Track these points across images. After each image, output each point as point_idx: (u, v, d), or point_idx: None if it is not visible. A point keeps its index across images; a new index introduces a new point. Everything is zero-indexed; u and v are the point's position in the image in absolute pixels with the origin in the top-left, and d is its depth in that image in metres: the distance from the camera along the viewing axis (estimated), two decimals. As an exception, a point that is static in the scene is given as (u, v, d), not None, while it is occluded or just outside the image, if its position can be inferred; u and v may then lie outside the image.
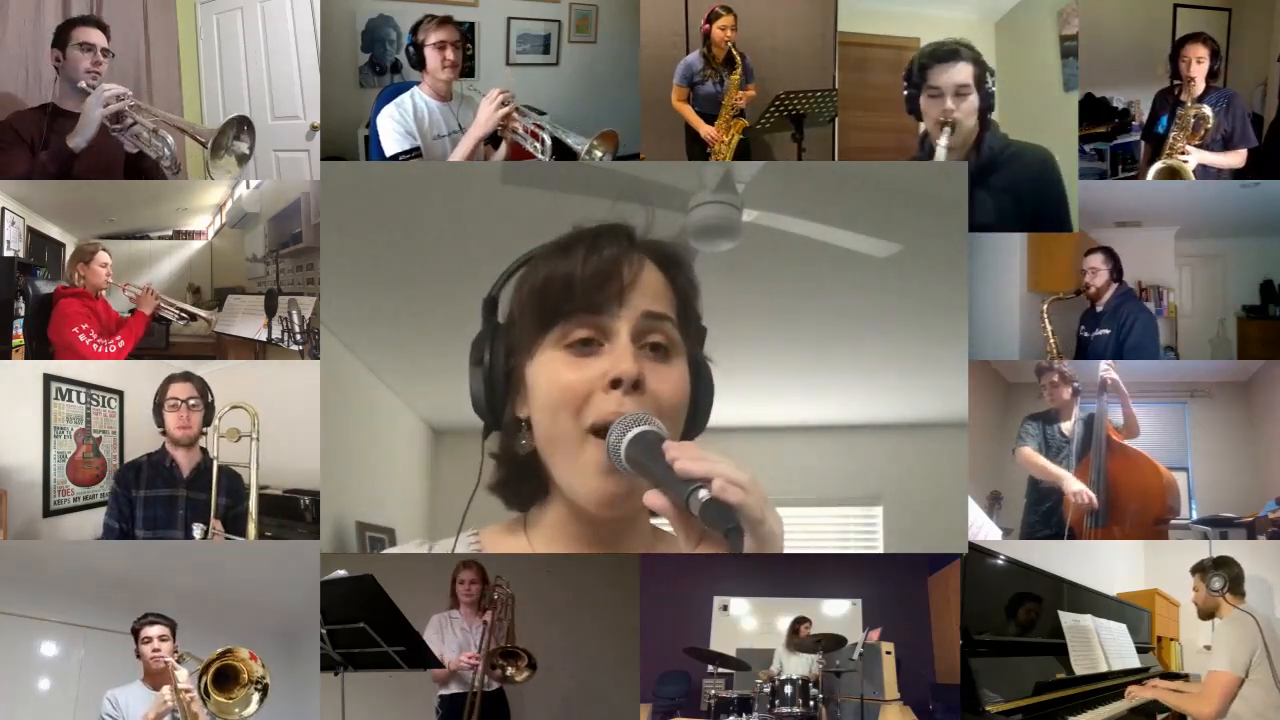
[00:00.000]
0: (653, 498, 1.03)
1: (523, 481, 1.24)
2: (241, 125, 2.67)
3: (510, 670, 3.01)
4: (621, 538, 1.24)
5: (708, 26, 3.22)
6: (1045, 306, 2.95)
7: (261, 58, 3.13)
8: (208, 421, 2.69)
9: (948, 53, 2.59)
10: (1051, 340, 2.94)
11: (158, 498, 2.67)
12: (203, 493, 2.68)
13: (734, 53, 3.23)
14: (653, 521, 1.28)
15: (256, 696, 2.51)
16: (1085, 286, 2.96)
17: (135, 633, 2.59)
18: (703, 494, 0.99)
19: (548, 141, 2.81)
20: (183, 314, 2.95)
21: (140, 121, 2.64)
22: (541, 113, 2.89)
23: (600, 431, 1.11)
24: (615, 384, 1.11)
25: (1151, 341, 2.94)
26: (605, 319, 1.14)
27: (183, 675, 2.47)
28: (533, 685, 3.12)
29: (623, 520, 1.22)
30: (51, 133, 2.68)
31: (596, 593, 3.16)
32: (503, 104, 2.80)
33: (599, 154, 2.77)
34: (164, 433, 2.69)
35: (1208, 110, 2.86)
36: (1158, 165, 2.89)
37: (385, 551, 1.29)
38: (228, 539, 2.64)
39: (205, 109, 3.21)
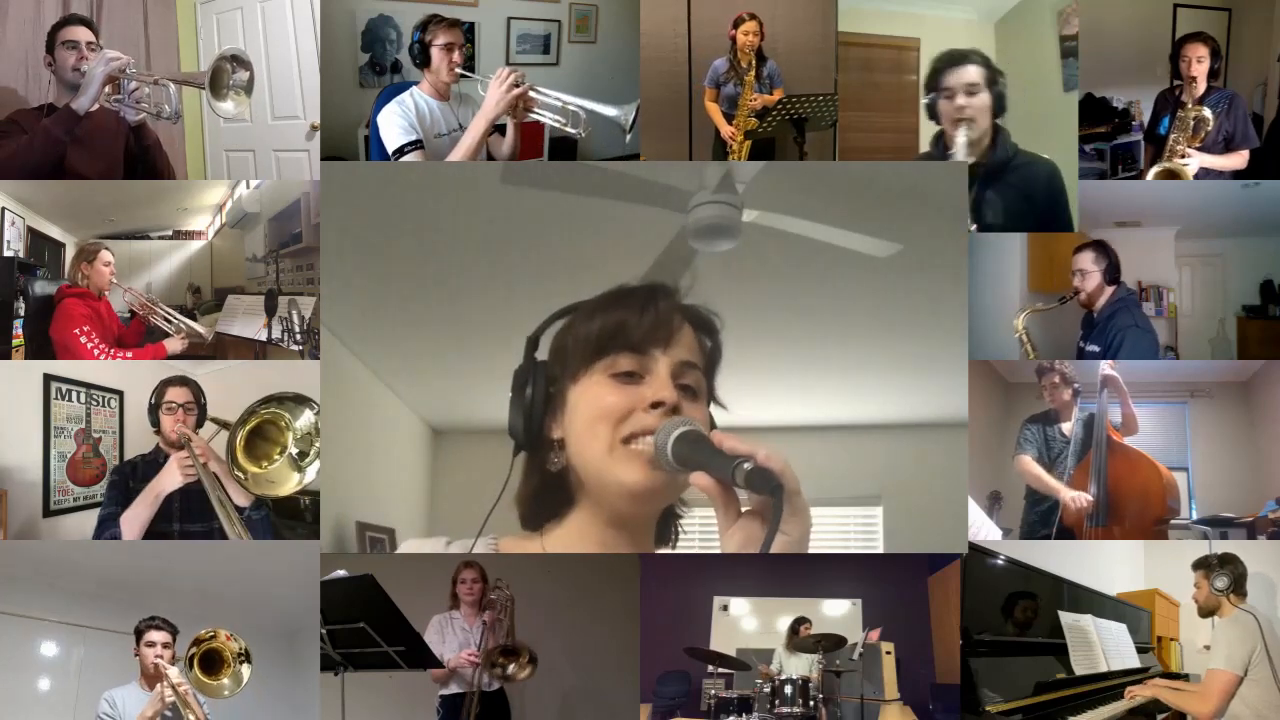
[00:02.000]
0: (699, 478, 1.19)
1: (548, 495, 1.37)
2: (234, 59, 2.65)
3: (511, 667, 3.00)
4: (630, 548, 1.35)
5: (734, 32, 3.29)
6: (1020, 320, 2.86)
7: (261, 58, 3.12)
8: (201, 423, 2.69)
9: (958, 55, 2.70)
10: (1031, 355, 2.90)
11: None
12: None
13: (754, 57, 3.29)
14: (657, 551, 1.40)
15: (246, 668, 2.54)
16: (1075, 291, 2.85)
17: (138, 634, 2.62)
18: (748, 465, 1.14)
19: (581, 115, 2.73)
20: (181, 329, 2.94)
21: (141, 81, 2.64)
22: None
23: (632, 440, 1.28)
24: (656, 405, 1.28)
25: (1142, 357, 2.85)
26: (648, 359, 1.31)
27: (174, 673, 2.50)
28: (533, 685, 3.12)
29: (631, 532, 1.34)
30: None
31: (596, 593, 3.16)
32: (515, 84, 2.73)
33: (632, 120, 2.71)
34: (158, 433, 2.69)
35: (1208, 113, 2.85)
36: (1156, 169, 2.88)
37: (399, 550, 1.37)
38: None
39: (205, 108, 3.21)
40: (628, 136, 2.78)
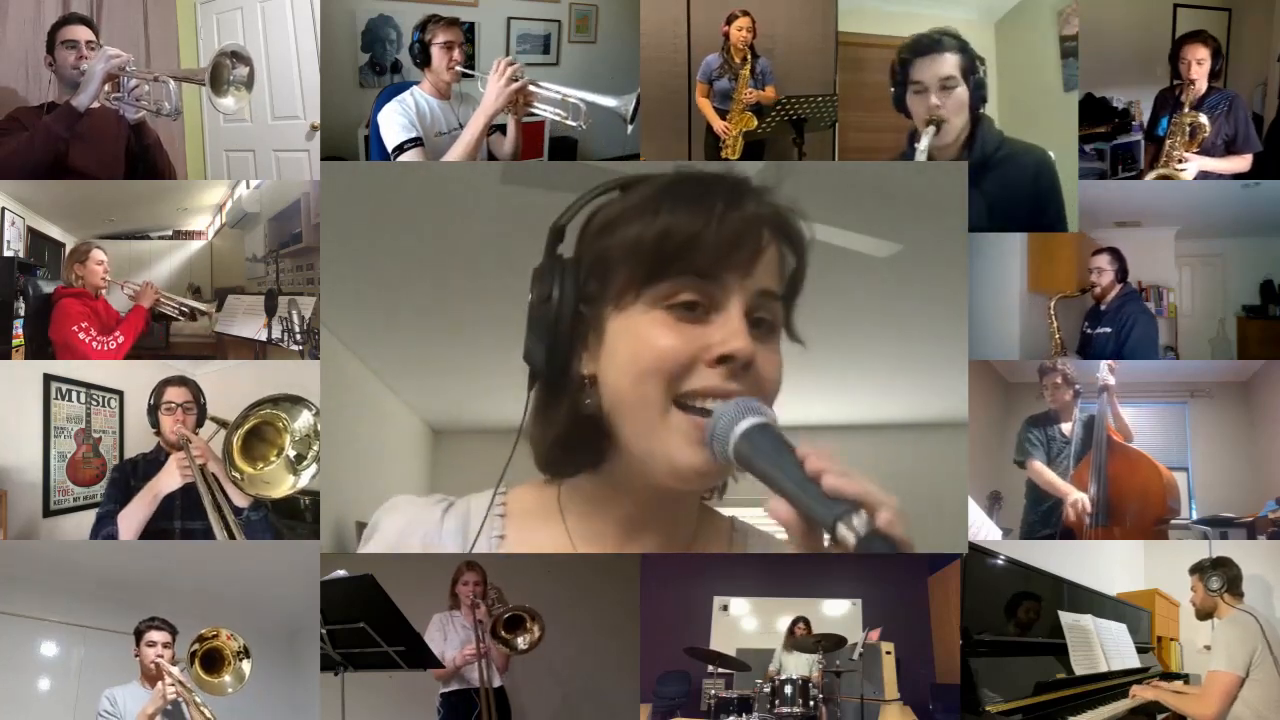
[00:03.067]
0: (780, 510, 0.90)
1: (574, 443, 1.09)
2: (234, 55, 2.66)
3: (521, 640, 2.99)
4: (665, 528, 1.15)
5: (727, 28, 3.30)
6: (1053, 303, 2.95)
7: (261, 58, 3.12)
8: (200, 423, 2.69)
9: (930, 43, 2.43)
10: (1057, 336, 2.95)
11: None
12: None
13: (748, 52, 3.29)
14: (705, 502, 1.18)
15: (247, 664, 2.55)
16: (1091, 285, 2.96)
17: (138, 634, 2.62)
18: (859, 524, 0.85)
19: (581, 107, 2.69)
20: (182, 309, 2.95)
21: (141, 79, 2.64)
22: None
23: (685, 403, 1.00)
24: (723, 360, 0.99)
25: (1150, 343, 2.94)
26: (719, 289, 1.01)
27: (175, 671, 2.51)
28: (533, 685, 3.11)
29: (672, 508, 1.14)
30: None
31: (597, 593, 3.16)
32: (513, 78, 2.70)
33: (633, 110, 2.69)
34: (158, 434, 2.69)
35: (1204, 119, 2.86)
36: (1151, 176, 2.91)
37: (384, 510, 1.08)
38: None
39: (205, 108, 3.21)
40: (629, 127, 2.76)
